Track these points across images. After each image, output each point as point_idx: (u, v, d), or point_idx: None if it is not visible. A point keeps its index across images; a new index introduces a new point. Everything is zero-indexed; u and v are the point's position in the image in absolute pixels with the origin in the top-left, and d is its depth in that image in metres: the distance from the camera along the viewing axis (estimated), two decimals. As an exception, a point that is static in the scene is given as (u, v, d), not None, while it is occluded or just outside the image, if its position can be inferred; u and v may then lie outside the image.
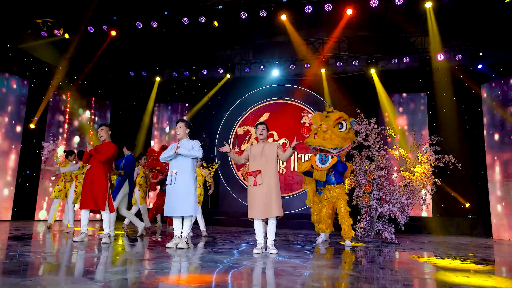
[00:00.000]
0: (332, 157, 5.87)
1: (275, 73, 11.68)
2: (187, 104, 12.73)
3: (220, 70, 12.06)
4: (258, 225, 4.82)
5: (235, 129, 12.36)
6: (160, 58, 12.10)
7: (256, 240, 4.84)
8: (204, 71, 12.25)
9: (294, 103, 12.06)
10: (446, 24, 9.98)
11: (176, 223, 5.08)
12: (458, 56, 10.62)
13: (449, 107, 10.67)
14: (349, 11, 8.43)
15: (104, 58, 10.97)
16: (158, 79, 12.36)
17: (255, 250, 4.70)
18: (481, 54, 10.41)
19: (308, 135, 11.81)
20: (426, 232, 9.67)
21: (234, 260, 4.05)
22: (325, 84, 11.63)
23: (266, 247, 4.83)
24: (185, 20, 9.11)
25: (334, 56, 11.31)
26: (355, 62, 11.20)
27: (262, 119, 12.20)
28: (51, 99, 10.69)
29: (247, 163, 5.09)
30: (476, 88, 10.21)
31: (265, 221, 5.01)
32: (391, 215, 6.42)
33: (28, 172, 10.15)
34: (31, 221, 9.87)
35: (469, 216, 10.27)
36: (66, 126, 11.03)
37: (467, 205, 10.30)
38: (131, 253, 4.59)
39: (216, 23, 8.98)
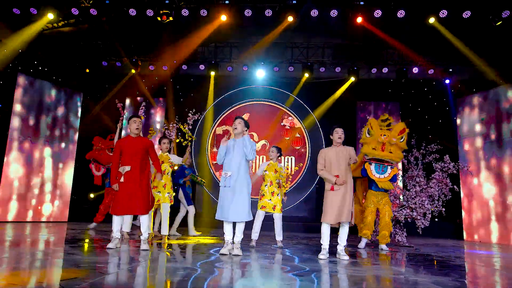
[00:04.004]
0: (392, 168, 5.89)
1: (260, 74, 11.54)
2: (161, 99, 12.07)
3: (202, 67, 11.63)
4: (326, 231, 4.70)
5: (214, 129, 12.00)
6: (137, 49, 11.30)
7: (322, 244, 4.72)
8: (184, 67, 11.72)
9: (275, 105, 12.05)
10: (423, 40, 10.65)
11: (227, 228, 4.77)
12: (430, 70, 11.42)
13: (421, 117, 11.43)
14: (359, 19, 8.62)
15: (78, 44, 10.00)
16: (133, 71, 11.53)
17: (321, 256, 4.59)
18: (450, 70, 11.32)
19: (286, 137, 12.10)
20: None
21: (307, 266, 3.91)
22: (307, 88, 11.78)
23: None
24: (184, 12, 8.64)
25: (318, 61, 11.51)
26: (338, 69, 11.51)
27: (242, 120, 11.99)
28: (20, 87, 9.44)
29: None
30: (447, 100, 11.15)
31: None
32: (408, 219, 6.69)
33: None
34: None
35: (436, 220, 11.07)
36: (34, 116, 9.79)
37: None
38: (201, 260, 4.19)
39: (224, 18, 8.62)
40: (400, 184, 8.03)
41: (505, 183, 9.02)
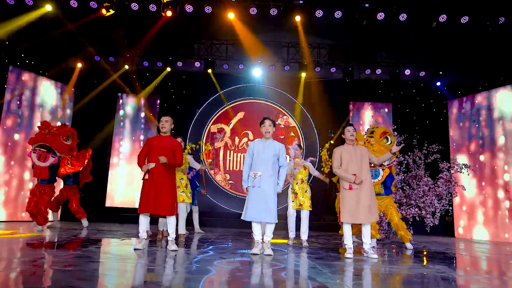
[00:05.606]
0: (383, 169, 5.99)
1: (257, 72, 11.51)
2: (156, 96, 11.83)
3: (197, 64, 11.49)
4: (348, 230, 4.76)
5: (209, 127, 11.88)
6: (131, 45, 11.01)
7: (346, 244, 4.77)
8: (179, 63, 11.53)
9: (271, 104, 12.06)
10: (415, 43, 10.93)
11: (257, 228, 4.76)
12: (422, 72, 11.73)
13: (412, 118, 11.75)
14: (364, 22, 8.74)
15: (74, 39, 9.66)
16: (126, 67, 11.24)
17: (347, 255, 4.64)
18: (440, 73, 11.68)
19: (280, 136, 12.16)
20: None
21: (344, 266, 3.97)
22: (302, 87, 11.86)
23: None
24: (189, 8, 8.50)
25: (313, 61, 11.60)
26: (333, 69, 11.65)
27: (237, 118, 11.96)
28: (11, 80, 9.01)
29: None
30: (439, 103, 11.52)
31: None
32: (417, 218, 6.87)
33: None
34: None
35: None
36: (26, 113, 9.36)
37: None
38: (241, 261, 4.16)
39: (231, 15, 8.53)
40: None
41: (495, 181, 9.40)
